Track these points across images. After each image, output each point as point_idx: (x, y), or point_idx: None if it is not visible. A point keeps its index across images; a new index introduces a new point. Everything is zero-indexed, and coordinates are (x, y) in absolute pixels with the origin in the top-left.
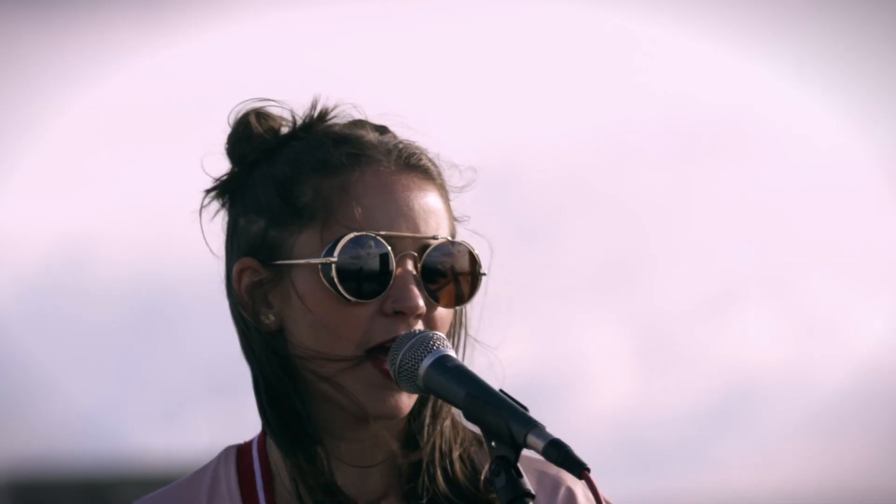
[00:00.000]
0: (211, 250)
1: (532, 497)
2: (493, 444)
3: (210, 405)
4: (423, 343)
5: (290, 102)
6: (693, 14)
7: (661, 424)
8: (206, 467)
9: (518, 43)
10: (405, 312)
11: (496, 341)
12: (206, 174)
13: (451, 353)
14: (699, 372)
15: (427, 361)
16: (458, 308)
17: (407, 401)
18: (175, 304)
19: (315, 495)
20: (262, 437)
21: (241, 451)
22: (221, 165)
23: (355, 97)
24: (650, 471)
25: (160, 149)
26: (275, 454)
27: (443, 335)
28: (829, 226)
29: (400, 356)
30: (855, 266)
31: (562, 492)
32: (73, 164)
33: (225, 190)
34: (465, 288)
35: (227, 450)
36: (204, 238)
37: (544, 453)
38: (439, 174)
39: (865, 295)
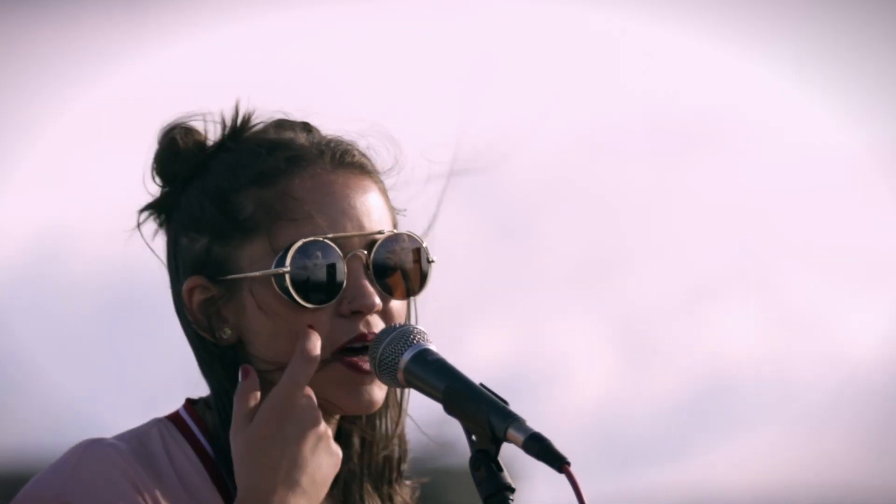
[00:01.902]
0: (156, 254)
1: (513, 490)
2: (473, 438)
3: (192, 395)
4: (404, 337)
5: (260, 106)
6: (671, 10)
7: (640, 419)
8: (146, 433)
9: (496, 40)
10: (362, 311)
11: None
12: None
13: (432, 346)
14: (678, 367)
15: (407, 355)
16: (411, 298)
17: (379, 393)
18: (154, 296)
19: None
20: (193, 411)
21: (178, 424)
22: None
23: (345, 92)
24: (629, 465)
25: (143, 145)
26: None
27: (423, 329)
28: (808, 222)
29: (380, 350)
30: (835, 262)
31: None
32: (54, 159)
33: (160, 209)
34: (416, 278)
35: (164, 422)
36: (150, 248)
37: (524, 447)
38: (373, 167)
39: (845, 291)
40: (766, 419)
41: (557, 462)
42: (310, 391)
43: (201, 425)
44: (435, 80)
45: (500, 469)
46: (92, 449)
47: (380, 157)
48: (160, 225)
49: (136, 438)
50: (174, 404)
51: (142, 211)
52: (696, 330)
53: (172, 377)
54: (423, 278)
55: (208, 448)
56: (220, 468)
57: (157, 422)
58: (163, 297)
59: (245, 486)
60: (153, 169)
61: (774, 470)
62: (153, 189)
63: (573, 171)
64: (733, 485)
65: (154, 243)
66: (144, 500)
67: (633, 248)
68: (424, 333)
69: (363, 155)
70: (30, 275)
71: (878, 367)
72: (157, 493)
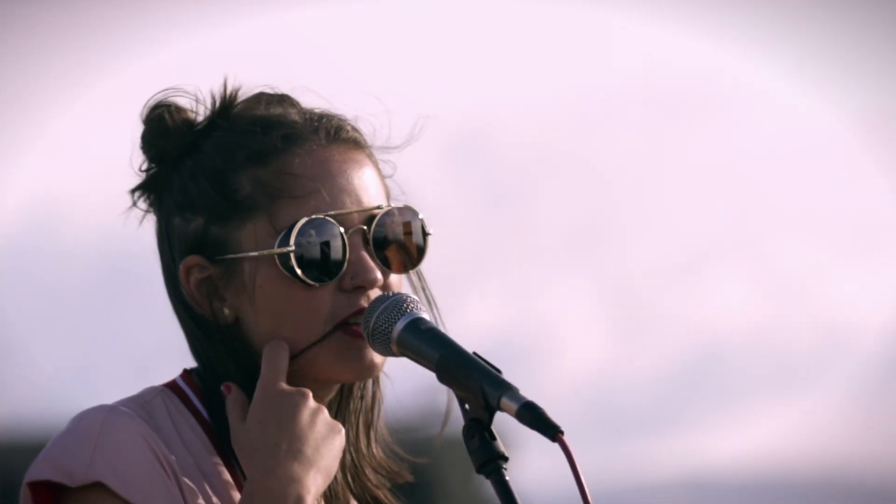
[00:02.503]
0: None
1: (506, 459)
2: (466, 407)
3: (181, 365)
4: (397, 306)
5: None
6: None
7: (633, 388)
8: (149, 403)
9: (490, 9)
10: (364, 286)
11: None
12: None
13: (425, 315)
14: (671, 334)
15: (400, 324)
16: (413, 271)
17: (379, 358)
18: (146, 264)
19: None
20: (191, 382)
21: (178, 394)
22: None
23: (330, 63)
24: (622, 433)
25: (134, 114)
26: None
27: (416, 298)
28: (799, 189)
29: (373, 319)
30: (825, 229)
31: None
32: (47, 127)
33: (150, 189)
34: (415, 251)
35: (165, 391)
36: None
37: (518, 416)
38: (366, 141)
39: (835, 258)
40: (758, 386)
41: (551, 431)
42: None
43: (200, 396)
44: (425, 51)
45: (493, 438)
46: (112, 419)
47: (369, 129)
48: (150, 205)
49: (142, 407)
50: (164, 372)
51: (132, 191)
52: (689, 298)
53: (165, 345)
54: (420, 252)
55: (209, 419)
56: (221, 440)
57: (158, 391)
58: (151, 265)
59: (251, 470)
60: (140, 148)
61: (766, 436)
62: (142, 166)
63: (566, 140)
64: (726, 451)
65: (144, 222)
66: (165, 471)
67: (625, 216)
68: (417, 302)
69: (355, 129)
70: (17, 245)
71: (869, 333)
72: (175, 463)
